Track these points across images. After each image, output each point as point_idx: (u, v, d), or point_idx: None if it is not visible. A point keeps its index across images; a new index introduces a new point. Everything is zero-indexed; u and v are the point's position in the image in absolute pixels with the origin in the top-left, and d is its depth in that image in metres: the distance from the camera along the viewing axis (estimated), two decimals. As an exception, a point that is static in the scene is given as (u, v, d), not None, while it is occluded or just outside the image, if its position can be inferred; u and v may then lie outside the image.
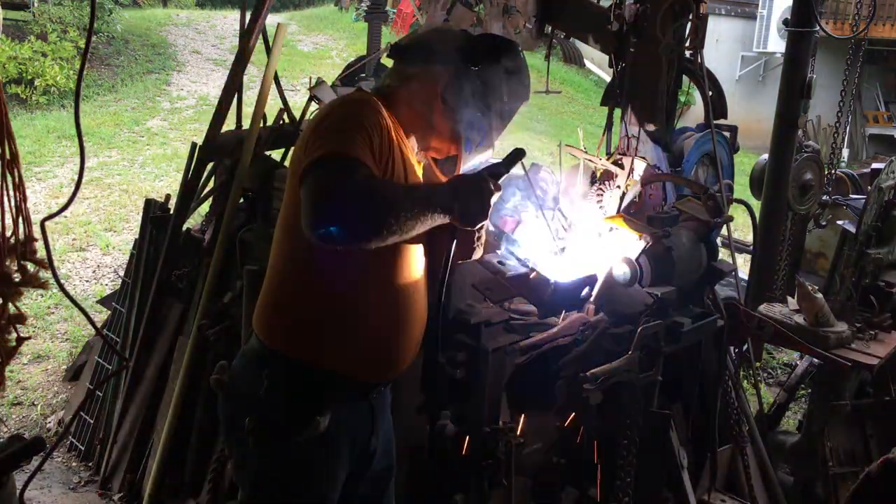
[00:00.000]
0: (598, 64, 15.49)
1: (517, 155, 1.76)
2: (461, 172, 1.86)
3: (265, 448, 1.70)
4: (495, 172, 1.70)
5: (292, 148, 3.32)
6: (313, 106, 3.56)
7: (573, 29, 3.32)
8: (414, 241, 1.69)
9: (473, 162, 1.94)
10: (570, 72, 15.23)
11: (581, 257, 2.42)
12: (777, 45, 13.70)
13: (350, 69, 4.38)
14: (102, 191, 7.38)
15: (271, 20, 3.54)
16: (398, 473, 2.04)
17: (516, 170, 1.84)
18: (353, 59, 4.57)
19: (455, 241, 1.71)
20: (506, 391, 2.14)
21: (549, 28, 3.31)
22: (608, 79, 3.19)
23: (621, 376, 2.04)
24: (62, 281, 2.87)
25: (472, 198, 1.61)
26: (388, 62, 1.93)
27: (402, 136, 1.77)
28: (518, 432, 2.09)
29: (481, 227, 1.73)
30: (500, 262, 2.32)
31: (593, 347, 2.13)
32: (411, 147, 1.83)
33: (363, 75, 4.08)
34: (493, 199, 1.65)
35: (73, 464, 3.46)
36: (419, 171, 1.86)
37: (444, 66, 1.78)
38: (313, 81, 3.52)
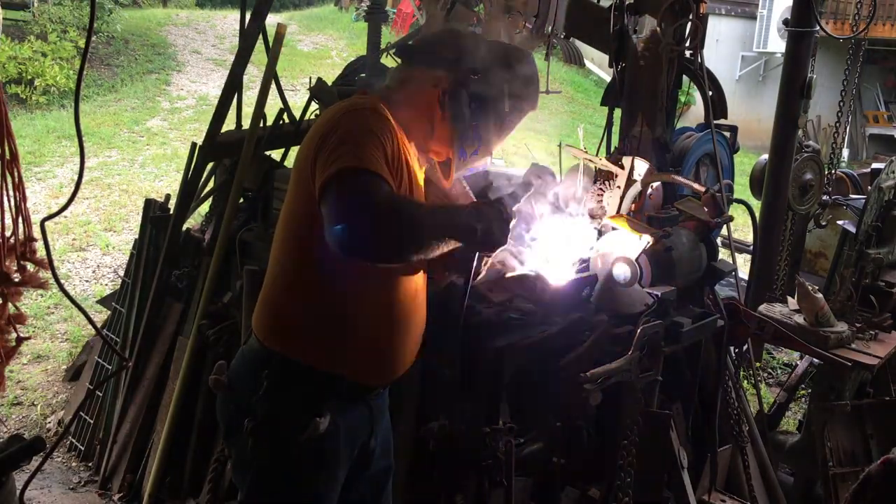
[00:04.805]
0: (598, 64, 15.49)
1: (529, 186, 1.80)
2: (454, 177, 1.88)
3: (264, 449, 1.70)
4: (511, 200, 1.72)
5: (294, 148, 3.31)
6: (313, 106, 3.56)
7: (573, 29, 3.32)
8: None
9: (469, 167, 1.95)
10: (570, 72, 15.23)
11: (578, 254, 2.42)
12: (777, 45, 13.70)
13: (350, 69, 4.38)
14: (102, 191, 7.38)
15: (271, 20, 3.54)
16: (397, 474, 2.04)
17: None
18: (352, 59, 4.56)
19: (473, 262, 1.75)
20: (506, 391, 2.14)
21: (550, 28, 3.30)
22: (608, 79, 3.19)
23: (621, 376, 2.04)
24: (62, 281, 2.85)
25: (494, 224, 1.63)
26: (389, 62, 1.93)
27: (405, 140, 1.76)
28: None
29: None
30: (499, 262, 2.32)
31: (593, 347, 2.13)
32: (413, 151, 1.82)
33: (363, 75, 4.08)
34: (511, 225, 1.67)
35: (73, 464, 3.46)
36: (420, 176, 1.85)
37: (446, 70, 1.76)
38: (313, 81, 3.52)
